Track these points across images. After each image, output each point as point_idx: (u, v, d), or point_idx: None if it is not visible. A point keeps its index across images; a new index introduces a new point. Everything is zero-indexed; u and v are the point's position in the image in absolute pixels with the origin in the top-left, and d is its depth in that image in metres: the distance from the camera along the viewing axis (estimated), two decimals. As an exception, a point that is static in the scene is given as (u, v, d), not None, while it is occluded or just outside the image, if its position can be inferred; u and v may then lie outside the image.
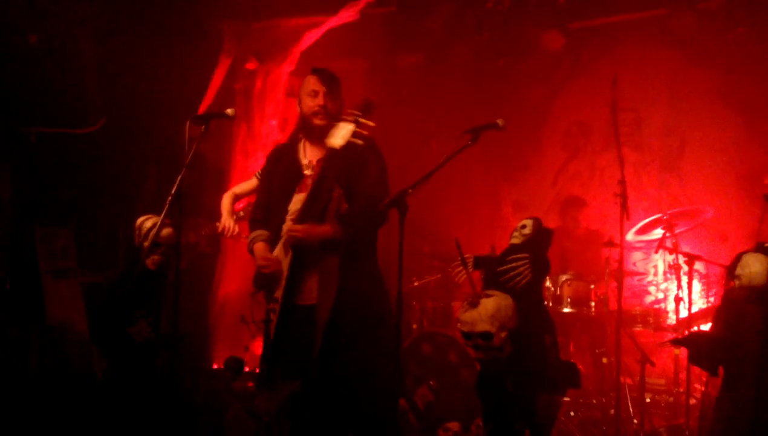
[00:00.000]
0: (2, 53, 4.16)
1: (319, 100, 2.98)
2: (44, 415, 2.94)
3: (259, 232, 3.08)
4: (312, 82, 3.03)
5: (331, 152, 2.80)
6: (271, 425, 2.62)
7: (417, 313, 4.84)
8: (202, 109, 4.80)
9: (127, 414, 3.00)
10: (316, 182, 2.88)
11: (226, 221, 3.60)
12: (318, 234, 2.85)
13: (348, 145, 2.81)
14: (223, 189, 4.93)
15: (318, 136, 3.00)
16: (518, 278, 2.39)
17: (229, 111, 2.97)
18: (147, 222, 3.24)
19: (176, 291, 2.72)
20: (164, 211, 2.83)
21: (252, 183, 3.99)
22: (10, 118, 4.15)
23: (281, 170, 3.11)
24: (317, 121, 2.99)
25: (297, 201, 2.99)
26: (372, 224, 2.92)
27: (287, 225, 2.95)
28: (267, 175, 3.23)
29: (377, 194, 2.88)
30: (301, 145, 3.10)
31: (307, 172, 3.02)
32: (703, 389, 4.32)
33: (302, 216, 2.90)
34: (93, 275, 4.63)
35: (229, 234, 3.61)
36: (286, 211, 3.01)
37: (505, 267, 2.43)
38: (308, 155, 3.06)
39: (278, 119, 5.39)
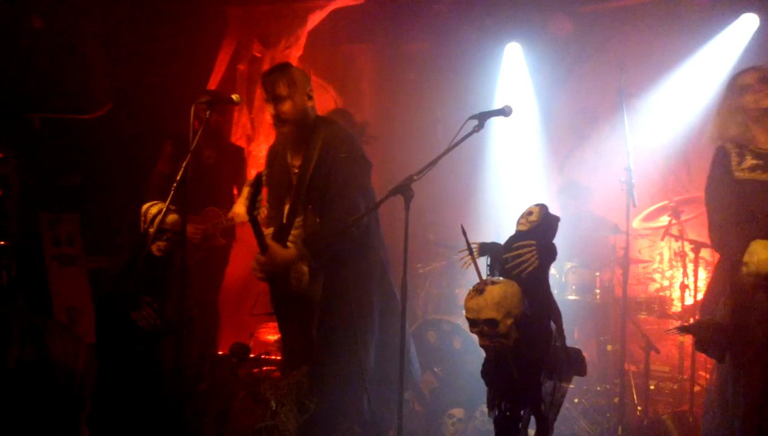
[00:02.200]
0: (7, 38, 4.14)
1: (271, 109, 2.88)
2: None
3: (268, 230, 3.08)
4: (262, 90, 2.92)
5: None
6: (277, 412, 2.63)
7: (422, 300, 4.85)
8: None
9: (131, 398, 3.01)
10: (292, 200, 2.86)
11: (238, 207, 3.58)
12: (282, 261, 2.79)
13: (321, 154, 2.83)
14: (241, 175, 4.85)
15: (289, 141, 2.94)
16: (525, 265, 2.37)
17: (235, 96, 2.95)
18: (152, 208, 3.23)
19: (182, 277, 2.73)
20: (170, 197, 2.83)
21: None
22: (15, 104, 4.15)
23: (276, 173, 3.08)
24: (278, 129, 2.91)
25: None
26: (342, 233, 2.81)
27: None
28: (267, 175, 3.16)
29: (342, 205, 2.81)
30: (288, 146, 3.04)
31: (294, 172, 2.98)
32: (707, 376, 4.34)
33: (277, 233, 2.89)
34: (99, 261, 4.64)
35: (239, 220, 3.60)
36: (282, 213, 2.98)
37: (511, 254, 2.41)
38: (293, 158, 3.01)
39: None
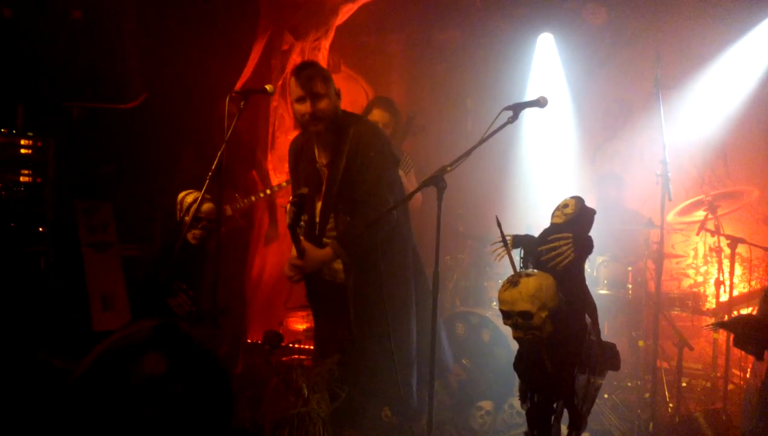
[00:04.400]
0: (47, 29, 4.22)
1: (306, 108, 2.81)
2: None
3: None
4: (295, 88, 2.85)
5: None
6: (309, 399, 2.66)
7: (450, 292, 4.83)
8: (240, 85, 4.81)
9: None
10: (324, 199, 2.88)
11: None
12: (318, 262, 2.83)
13: (351, 152, 2.84)
14: (254, 164, 4.97)
15: (318, 139, 2.94)
16: (560, 258, 2.35)
17: (268, 87, 2.97)
18: (188, 197, 3.28)
19: (217, 265, 2.77)
20: (205, 186, 2.87)
21: None
22: (53, 93, 4.23)
23: (303, 170, 3.07)
24: (312, 129, 2.87)
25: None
26: (374, 229, 2.81)
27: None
28: (293, 171, 3.19)
29: (372, 202, 2.81)
30: (315, 143, 3.02)
31: (323, 170, 2.99)
32: (741, 374, 4.25)
33: (309, 232, 2.92)
34: (132, 248, 4.74)
35: None
36: (313, 210, 3.00)
37: (547, 246, 2.39)
38: (321, 156, 3.00)
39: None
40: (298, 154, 3.10)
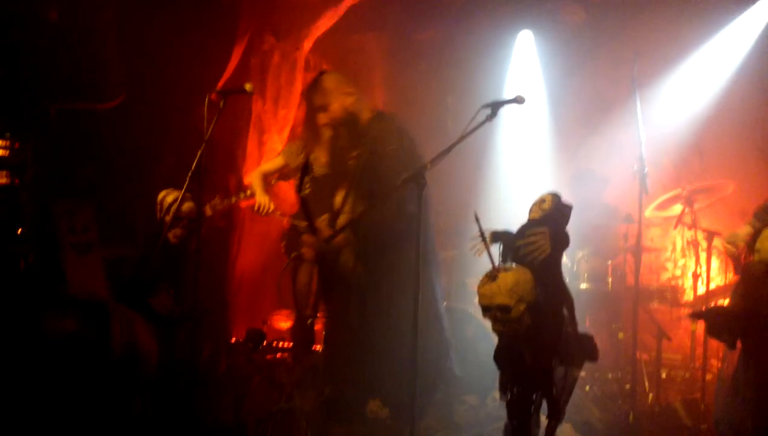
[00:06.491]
0: (24, 29, 4.18)
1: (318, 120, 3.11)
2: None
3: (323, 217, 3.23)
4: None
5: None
6: (292, 395, 2.68)
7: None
8: (220, 85, 4.79)
9: (149, 387, 3.07)
10: (347, 189, 2.97)
11: (261, 198, 3.57)
12: (332, 246, 2.97)
13: (372, 147, 2.97)
14: (233, 165, 4.96)
15: (341, 136, 3.11)
16: (537, 252, 2.40)
17: (248, 86, 2.97)
18: (168, 197, 3.27)
19: (197, 264, 2.77)
20: (185, 186, 2.87)
21: (278, 161, 4.01)
22: (31, 94, 4.19)
23: (333, 159, 3.23)
24: (331, 128, 3.11)
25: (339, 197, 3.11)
26: (388, 224, 2.94)
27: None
28: (323, 164, 3.32)
29: (390, 197, 2.90)
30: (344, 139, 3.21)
31: (350, 163, 3.10)
32: (719, 364, 4.34)
33: (331, 220, 3.06)
34: (114, 249, 4.70)
35: (264, 211, 3.56)
36: (332, 199, 3.10)
37: (524, 241, 2.44)
38: (349, 150, 3.16)
39: (296, 97, 5.35)
40: (328, 147, 3.25)
